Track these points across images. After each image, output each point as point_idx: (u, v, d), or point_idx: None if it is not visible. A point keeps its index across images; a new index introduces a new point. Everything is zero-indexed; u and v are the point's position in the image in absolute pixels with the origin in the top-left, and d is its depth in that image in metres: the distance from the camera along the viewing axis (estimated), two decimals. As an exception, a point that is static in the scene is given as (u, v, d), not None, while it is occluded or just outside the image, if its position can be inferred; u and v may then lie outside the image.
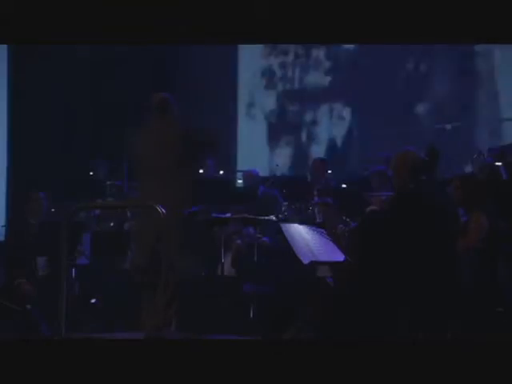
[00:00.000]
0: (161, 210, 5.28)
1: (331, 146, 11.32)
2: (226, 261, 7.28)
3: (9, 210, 9.94)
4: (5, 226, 8.65)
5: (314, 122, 11.46)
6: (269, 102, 11.70)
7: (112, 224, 8.46)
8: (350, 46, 10.91)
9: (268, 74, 11.67)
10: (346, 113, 11.34)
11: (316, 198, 7.84)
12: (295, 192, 8.02)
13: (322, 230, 6.12)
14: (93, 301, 7.16)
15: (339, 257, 5.66)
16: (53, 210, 8.07)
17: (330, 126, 11.41)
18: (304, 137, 11.55)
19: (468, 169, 8.60)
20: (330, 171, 9.36)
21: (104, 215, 8.58)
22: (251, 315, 6.67)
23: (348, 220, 7.08)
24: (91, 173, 9.53)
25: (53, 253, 6.48)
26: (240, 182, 8.86)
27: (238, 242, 7.50)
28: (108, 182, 9.00)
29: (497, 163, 7.35)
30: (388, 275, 4.99)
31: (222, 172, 9.39)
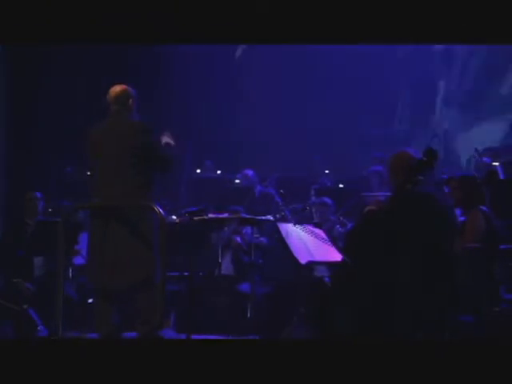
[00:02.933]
0: (159, 210, 5.24)
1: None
2: (224, 261, 7.28)
3: (6, 210, 9.93)
4: (2, 226, 8.65)
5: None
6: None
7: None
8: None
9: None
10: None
11: (313, 198, 7.84)
12: (292, 192, 8.01)
13: (319, 230, 6.12)
14: (90, 301, 7.15)
15: (336, 257, 5.66)
16: (50, 209, 8.07)
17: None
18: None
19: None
20: (327, 171, 9.39)
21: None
22: (248, 315, 6.67)
23: (344, 220, 7.10)
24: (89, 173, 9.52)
25: (50, 253, 6.48)
26: (238, 181, 8.87)
27: (238, 239, 7.50)
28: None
29: (494, 163, 7.37)
30: (385, 275, 4.98)
31: (219, 172, 9.42)
